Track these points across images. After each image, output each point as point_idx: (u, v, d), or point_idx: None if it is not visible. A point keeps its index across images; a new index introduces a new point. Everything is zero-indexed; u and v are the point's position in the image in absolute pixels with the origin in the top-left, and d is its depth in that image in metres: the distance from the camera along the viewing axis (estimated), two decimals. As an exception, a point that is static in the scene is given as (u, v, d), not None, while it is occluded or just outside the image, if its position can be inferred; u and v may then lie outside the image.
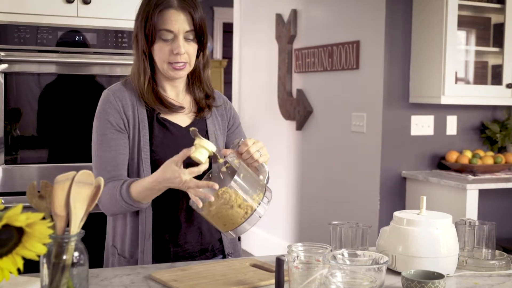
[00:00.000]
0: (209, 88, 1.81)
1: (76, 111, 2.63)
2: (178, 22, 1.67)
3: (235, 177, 1.49)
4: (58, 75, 2.57)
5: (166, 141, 1.73)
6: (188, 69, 1.73)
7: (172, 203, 1.73)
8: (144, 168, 1.70)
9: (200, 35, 1.70)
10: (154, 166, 1.68)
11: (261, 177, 1.62)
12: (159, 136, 1.72)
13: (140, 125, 1.71)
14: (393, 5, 3.56)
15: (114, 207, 1.66)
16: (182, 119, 1.77)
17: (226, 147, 1.87)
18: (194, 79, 1.80)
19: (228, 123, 1.88)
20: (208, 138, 1.77)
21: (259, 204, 1.51)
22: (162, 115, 1.74)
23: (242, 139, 1.64)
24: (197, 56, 1.75)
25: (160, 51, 1.68)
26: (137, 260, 1.71)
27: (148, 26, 1.67)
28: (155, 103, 1.72)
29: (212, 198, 1.47)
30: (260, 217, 1.51)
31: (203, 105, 1.80)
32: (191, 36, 1.69)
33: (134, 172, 1.72)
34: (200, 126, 1.78)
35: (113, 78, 2.65)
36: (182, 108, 1.77)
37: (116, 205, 1.65)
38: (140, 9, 1.72)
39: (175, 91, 1.78)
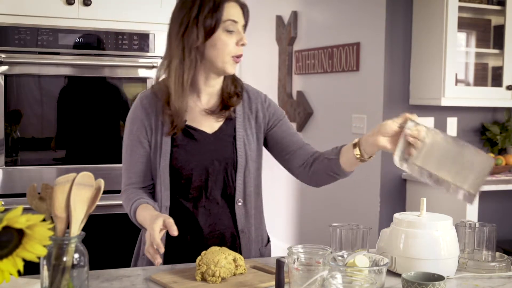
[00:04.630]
0: (239, 84, 1.79)
1: (76, 113, 2.63)
2: (240, 13, 1.67)
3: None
4: (59, 77, 2.57)
5: (189, 149, 1.71)
6: None
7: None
8: (162, 174, 1.70)
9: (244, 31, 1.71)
10: (175, 173, 1.70)
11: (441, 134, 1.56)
12: (182, 143, 1.71)
13: (164, 132, 1.71)
14: (394, 7, 3.56)
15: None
16: (210, 125, 1.75)
17: (272, 142, 1.83)
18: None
19: (268, 121, 1.82)
20: (235, 143, 1.75)
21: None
22: (189, 123, 1.73)
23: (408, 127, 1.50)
24: None
25: (223, 44, 1.64)
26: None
27: (209, 19, 1.62)
28: (183, 113, 1.69)
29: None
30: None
31: (232, 103, 1.74)
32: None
33: (155, 178, 1.74)
34: (228, 132, 1.75)
35: (114, 79, 2.65)
36: (209, 115, 1.74)
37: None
38: (187, 5, 1.64)
39: (210, 93, 1.74)
